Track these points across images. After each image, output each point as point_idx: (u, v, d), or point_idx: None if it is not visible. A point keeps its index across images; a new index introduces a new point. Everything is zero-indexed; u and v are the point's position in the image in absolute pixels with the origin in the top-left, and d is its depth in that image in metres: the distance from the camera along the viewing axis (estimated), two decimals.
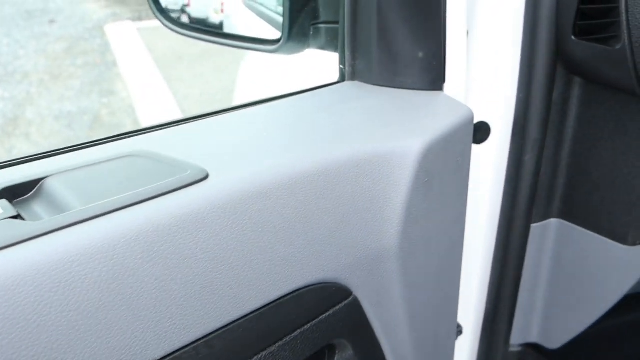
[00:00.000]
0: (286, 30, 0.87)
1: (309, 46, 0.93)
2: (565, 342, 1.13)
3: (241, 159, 0.59)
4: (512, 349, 1.18)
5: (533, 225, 1.06)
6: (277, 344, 0.56)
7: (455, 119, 0.75)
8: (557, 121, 0.98)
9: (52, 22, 7.03)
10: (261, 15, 1.21)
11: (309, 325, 0.58)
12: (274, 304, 0.55)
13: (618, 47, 0.81)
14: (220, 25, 1.08)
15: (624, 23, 0.79)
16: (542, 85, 0.94)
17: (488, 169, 0.99)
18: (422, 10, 0.78)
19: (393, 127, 0.69)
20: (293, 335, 0.57)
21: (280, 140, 0.65)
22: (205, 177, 0.54)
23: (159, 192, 0.51)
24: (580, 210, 1.02)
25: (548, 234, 1.07)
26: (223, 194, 0.52)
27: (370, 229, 0.64)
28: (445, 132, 0.71)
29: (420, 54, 0.78)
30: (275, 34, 0.90)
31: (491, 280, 1.09)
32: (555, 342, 1.14)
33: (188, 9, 1.23)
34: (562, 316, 1.12)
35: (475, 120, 0.96)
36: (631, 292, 1.19)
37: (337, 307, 0.62)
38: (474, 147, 0.98)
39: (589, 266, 1.03)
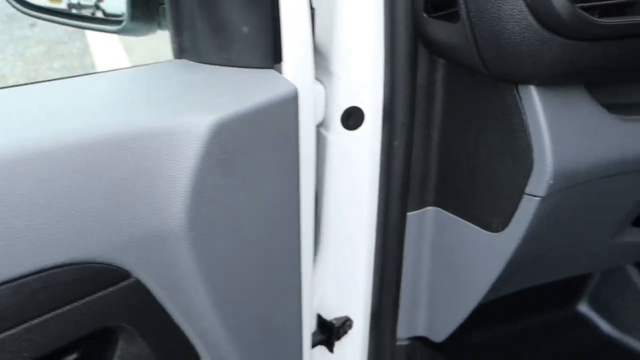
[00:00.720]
0: (128, 10, 0.84)
1: (159, 27, 0.90)
2: (449, 333, 1.10)
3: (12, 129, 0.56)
4: (399, 343, 1.14)
5: (410, 214, 1.02)
6: (22, 326, 0.52)
7: (272, 96, 0.71)
8: (424, 105, 0.94)
9: (32, 25, 7.02)
10: None
11: (68, 307, 0.55)
12: (16, 282, 0.52)
13: (458, 23, 0.78)
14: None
15: None
16: (405, 69, 0.90)
17: (364, 156, 0.95)
18: None
19: (186, 104, 0.65)
20: (45, 317, 0.54)
21: (66, 113, 0.62)
22: None
23: None
24: (452, 198, 0.98)
25: (425, 223, 1.03)
26: None
27: (152, 207, 0.60)
28: (252, 109, 0.68)
29: (245, 29, 0.75)
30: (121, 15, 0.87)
31: (375, 272, 1.05)
32: (440, 334, 1.10)
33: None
34: (444, 307, 1.08)
35: (347, 105, 0.92)
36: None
37: (111, 289, 0.58)
38: (349, 133, 0.95)
39: (462, 255, 0.99)
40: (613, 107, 0.87)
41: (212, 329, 0.69)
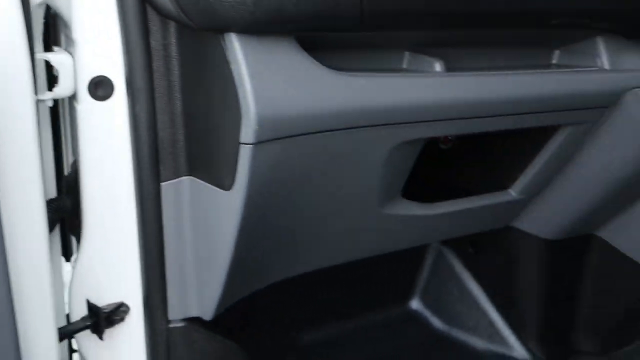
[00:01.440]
0: None
1: None
2: (218, 311, 1.07)
3: None
4: (173, 325, 1.11)
5: (164, 184, 1.00)
6: None
7: None
8: (162, 70, 0.94)
9: None
10: None
11: None
12: None
13: None
14: None
15: None
16: (137, 33, 0.89)
17: (113, 128, 0.93)
18: None
19: None
20: None
21: None
22: None
23: None
24: (200, 163, 0.97)
25: (182, 193, 1.01)
26: None
27: None
28: None
29: None
30: None
31: (140, 253, 1.02)
32: (209, 312, 1.08)
33: None
34: (208, 282, 1.06)
35: (92, 75, 0.90)
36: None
37: None
38: (99, 104, 0.93)
39: (210, 222, 0.98)
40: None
41: None
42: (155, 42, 0.92)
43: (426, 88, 0.96)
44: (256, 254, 1.04)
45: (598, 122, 1.18)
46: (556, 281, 1.59)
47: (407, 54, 1.03)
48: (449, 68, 1.03)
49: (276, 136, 0.84)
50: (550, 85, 1.08)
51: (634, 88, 1.15)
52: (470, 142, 1.33)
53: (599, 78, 1.13)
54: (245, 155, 0.84)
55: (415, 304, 1.84)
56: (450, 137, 1.34)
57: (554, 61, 1.19)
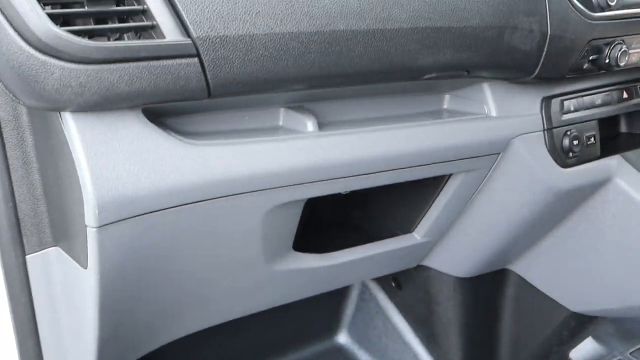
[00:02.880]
0: None
1: None
2: None
3: None
4: None
5: (29, 257, 0.96)
6: None
7: None
8: (15, 141, 0.89)
9: None
10: None
11: None
12: None
13: None
14: None
15: None
16: None
17: None
18: None
19: None
20: None
21: None
22: None
23: None
24: (64, 237, 0.93)
25: (50, 265, 0.97)
26: None
27: None
28: None
29: None
30: None
31: (14, 328, 0.98)
32: None
33: None
34: (88, 355, 1.02)
35: None
36: None
37: None
38: None
39: (75, 297, 0.94)
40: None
41: None
42: (5, 112, 0.87)
43: (296, 151, 0.92)
44: (128, 326, 1.00)
45: (491, 167, 1.16)
46: (475, 316, 1.57)
47: (281, 110, 1.00)
48: (326, 123, 1.00)
49: (122, 217, 0.80)
50: (437, 138, 1.05)
51: (521, 134, 1.13)
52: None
53: (487, 126, 1.10)
54: (92, 237, 0.80)
55: (342, 338, 1.82)
56: None
57: (445, 106, 1.17)
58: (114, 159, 0.77)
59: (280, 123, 0.99)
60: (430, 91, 1.14)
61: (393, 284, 1.66)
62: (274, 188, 0.93)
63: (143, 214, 0.82)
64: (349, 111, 1.06)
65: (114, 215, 0.79)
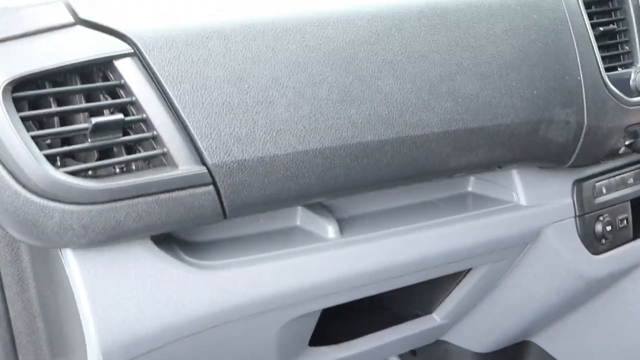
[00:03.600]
0: None
1: None
2: None
3: None
4: None
5: None
6: None
7: None
8: (9, 258, 0.82)
9: None
10: None
11: None
12: None
13: None
14: None
15: None
16: None
17: None
18: None
19: None
20: None
21: None
22: None
23: None
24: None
25: None
26: None
27: None
28: None
29: None
30: None
31: None
32: None
33: None
34: None
35: None
36: None
37: None
38: None
39: None
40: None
41: None
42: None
43: (316, 264, 0.84)
44: None
45: (519, 256, 1.08)
46: None
47: (299, 210, 0.92)
48: (347, 219, 0.92)
49: (129, 357, 0.72)
50: (464, 236, 0.97)
51: (552, 223, 1.06)
52: None
53: (517, 217, 1.02)
54: None
55: None
56: None
57: (469, 189, 1.09)
58: (120, 297, 0.70)
59: (298, 223, 0.92)
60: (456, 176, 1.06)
61: (409, 352, 1.58)
62: (292, 304, 0.85)
63: (152, 350, 0.74)
64: (370, 202, 0.98)
65: (120, 356, 0.71)
